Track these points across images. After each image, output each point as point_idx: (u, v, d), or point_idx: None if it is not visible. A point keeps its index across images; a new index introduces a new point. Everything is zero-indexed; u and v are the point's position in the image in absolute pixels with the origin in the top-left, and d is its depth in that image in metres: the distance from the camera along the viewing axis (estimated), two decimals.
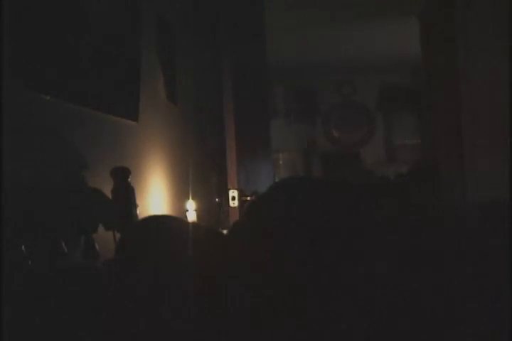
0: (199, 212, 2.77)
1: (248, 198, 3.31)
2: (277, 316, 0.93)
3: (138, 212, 1.71)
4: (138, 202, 1.75)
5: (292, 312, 0.92)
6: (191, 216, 2.69)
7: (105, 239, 1.52)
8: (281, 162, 6.84)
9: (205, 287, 0.97)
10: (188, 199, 2.74)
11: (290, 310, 0.92)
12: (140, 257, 1.03)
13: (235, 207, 3.28)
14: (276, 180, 4.88)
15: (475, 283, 0.93)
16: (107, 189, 1.62)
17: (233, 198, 3.28)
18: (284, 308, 0.93)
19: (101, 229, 1.53)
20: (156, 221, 1.16)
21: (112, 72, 1.86)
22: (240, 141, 3.39)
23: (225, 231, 1.40)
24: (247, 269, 0.97)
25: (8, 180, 1.15)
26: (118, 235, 1.53)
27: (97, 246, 1.48)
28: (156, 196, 2.42)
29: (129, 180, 1.68)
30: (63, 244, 1.31)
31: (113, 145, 1.93)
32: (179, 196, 2.75)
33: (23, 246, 1.16)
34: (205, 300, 0.97)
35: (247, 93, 3.64)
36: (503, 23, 2.96)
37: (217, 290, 0.97)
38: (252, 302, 0.95)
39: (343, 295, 0.92)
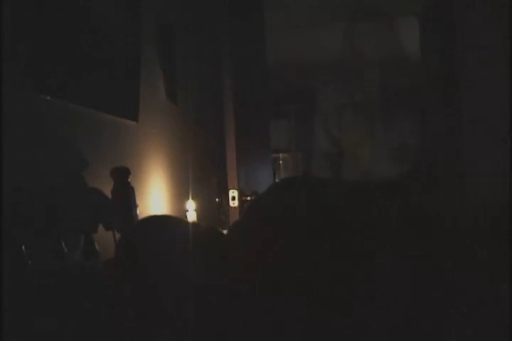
0: (199, 212, 2.77)
1: (248, 198, 3.31)
2: (277, 315, 0.93)
3: (138, 212, 1.71)
4: (138, 202, 1.75)
5: (292, 312, 0.92)
6: (191, 216, 2.69)
7: (105, 239, 1.52)
8: (281, 162, 6.84)
9: (205, 287, 0.97)
10: (188, 199, 2.74)
11: (290, 309, 0.92)
12: (140, 257, 1.03)
13: (235, 207, 3.28)
14: (276, 180, 4.88)
15: (475, 282, 0.93)
16: (107, 189, 1.62)
17: (233, 198, 3.28)
18: (285, 308, 0.93)
19: (101, 229, 1.53)
20: (156, 221, 1.16)
21: (112, 72, 1.86)
22: (240, 141, 3.39)
23: (225, 231, 1.40)
24: (247, 269, 0.97)
25: (8, 180, 1.15)
26: (118, 235, 1.53)
27: (97, 246, 1.48)
28: (156, 196, 2.42)
29: (129, 180, 1.68)
30: (63, 244, 1.31)
31: (113, 145, 1.93)
32: (179, 196, 2.75)
33: (23, 246, 1.16)
34: (205, 299, 0.97)
35: (247, 93, 3.64)
36: (503, 23, 2.96)
37: (217, 289, 0.97)
38: (253, 302, 0.95)
39: (344, 294, 0.92)
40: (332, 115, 7.06)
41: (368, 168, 6.48)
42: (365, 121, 7.02)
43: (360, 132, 7.02)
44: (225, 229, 2.59)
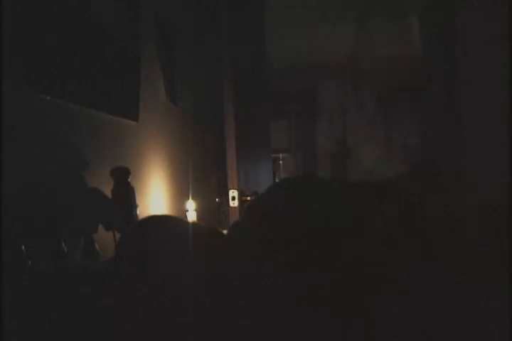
0: (199, 212, 2.77)
1: (248, 198, 3.31)
2: (277, 315, 0.93)
3: (138, 212, 1.71)
4: (138, 202, 1.75)
5: (292, 311, 0.92)
6: (191, 216, 2.69)
7: (105, 239, 1.52)
8: (281, 162, 6.84)
9: (206, 287, 0.97)
10: (188, 199, 2.74)
11: (290, 308, 0.92)
12: (140, 257, 1.03)
13: (235, 207, 3.28)
14: (276, 180, 4.88)
15: (474, 282, 0.93)
16: (107, 189, 1.62)
17: (233, 198, 3.28)
18: (285, 307, 0.93)
19: (101, 229, 1.53)
20: (156, 221, 1.16)
21: (111, 72, 1.86)
22: (240, 141, 3.39)
23: (225, 231, 1.40)
24: (247, 269, 0.97)
25: (8, 180, 1.15)
26: (118, 235, 1.53)
27: (97, 246, 1.48)
28: (156, 196, 2.42)
29: (129, 180, 1.68)
30: (63, 244, 1.31)
31: (113, 145, 1.93)
32: (179, 196, 2.75)
33: (23, 246, 1.16)
34: (205, 299, 0.97)
35: (247, 93, 3.64)
36: (503, 23, 2.96)
37: (217, 289, 0.97)
38: (253, 302, 0.95)
39: (344, 293, 0.92)
40: (334, 115, 7.07)
41: (369, 168, 6.48)
42: (367, 121, 7.02)
43: (361, 132, 7.02)
44: (225, 229, 2.59)
